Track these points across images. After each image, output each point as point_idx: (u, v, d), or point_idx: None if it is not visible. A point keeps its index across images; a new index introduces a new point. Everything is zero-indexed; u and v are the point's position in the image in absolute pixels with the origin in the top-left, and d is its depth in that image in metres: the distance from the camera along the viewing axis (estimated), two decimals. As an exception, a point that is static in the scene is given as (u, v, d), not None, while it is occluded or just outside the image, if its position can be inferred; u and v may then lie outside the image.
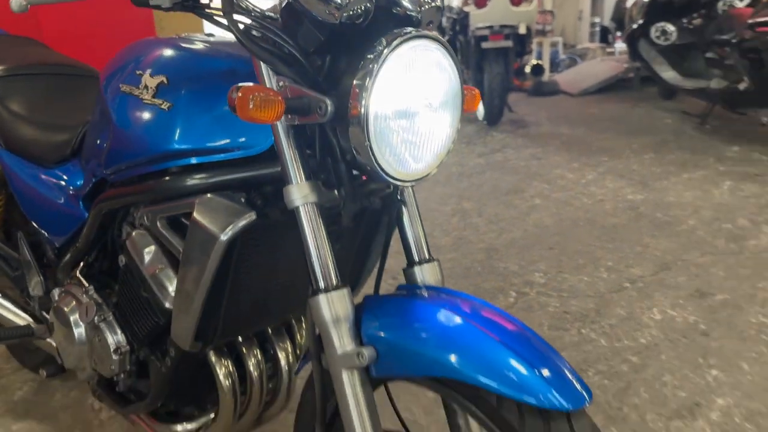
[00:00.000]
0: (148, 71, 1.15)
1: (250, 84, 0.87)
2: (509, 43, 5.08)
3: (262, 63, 0.96)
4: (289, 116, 0.93)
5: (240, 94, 0.85)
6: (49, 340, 1.54)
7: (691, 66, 5.05)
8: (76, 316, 1.39)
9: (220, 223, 1.03)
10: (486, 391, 0.87)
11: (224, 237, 1.02)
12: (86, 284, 1.40)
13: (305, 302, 0.98)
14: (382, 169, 0.92)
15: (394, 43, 0.87)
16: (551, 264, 2.76)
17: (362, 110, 0.87)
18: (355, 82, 0.88)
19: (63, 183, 1.49)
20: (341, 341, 0.96)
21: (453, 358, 0.90)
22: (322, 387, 1.04)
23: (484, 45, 5.07)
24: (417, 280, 1.10)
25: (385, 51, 0.87)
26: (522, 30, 5.14)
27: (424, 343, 0.93)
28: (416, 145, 0.95)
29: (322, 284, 0.96)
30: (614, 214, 3.32)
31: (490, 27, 5.09)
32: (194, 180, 1.09)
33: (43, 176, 1.56)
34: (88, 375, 1.44)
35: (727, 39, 4.37)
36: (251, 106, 0.86)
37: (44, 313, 1.60)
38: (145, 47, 1.22)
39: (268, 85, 0.96)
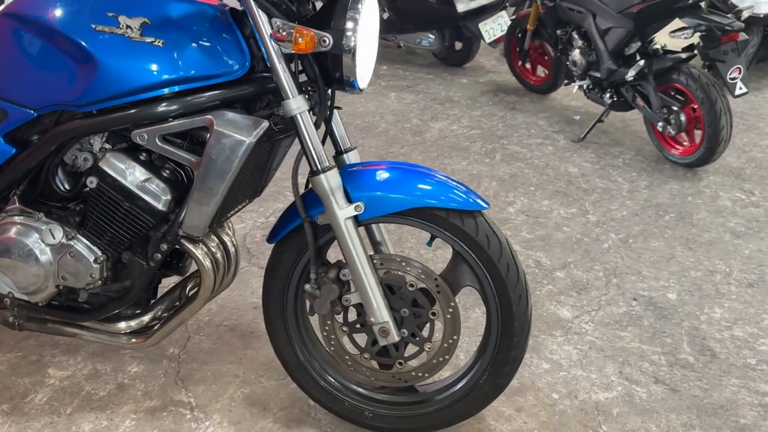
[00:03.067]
0: (121, 13, 1.40)
1: (296, 24, 1.30)
2: None
3: (257, 8, 1.36)
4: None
5: (303, 35, 1.28)
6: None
7: None
8: (34, 240, 1.54)
9: (246, 130, 1.41)
10: (436, 208, 1.50)
11: (253, 140, 1.41)
12: (33, 211, 1.55)
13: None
14: (357, 84, 1.44)
15: None
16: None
17: (353, 42, 1.37)
18: (348, 23, 1.37)
19: None
20: (338, 202, 1.48)
21: (410, 195, 1.51)
22: (314, 239, 1.53)
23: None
24: (347, 162, 1.64)
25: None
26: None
27: (389, 190, 1.51)
28: (366, 66, 1.49)
29: (320, 166, 1.46)
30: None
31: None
32: (199, 100, 1.42)
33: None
34: (45, 296, 1.60)
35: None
36: (300, 41, 1.29)
37: None
38: None
39: (261, 25, 1.37)
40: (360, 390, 1.74)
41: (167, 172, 1.54)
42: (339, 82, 1.46)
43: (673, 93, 3.50)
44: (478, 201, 1.53)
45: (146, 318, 1.71)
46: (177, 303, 1.73)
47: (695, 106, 3.40)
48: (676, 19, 3.46)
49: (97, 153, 1.54)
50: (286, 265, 1.64)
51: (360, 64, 1.43)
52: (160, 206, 1.50)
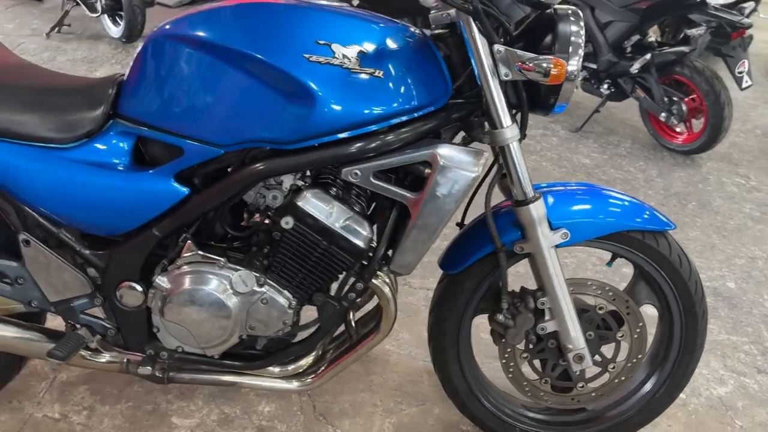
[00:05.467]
0: (334, 41, 1.28)
1: (553, 57, 1.24)
2: None
3: (480, 38, 1.29)
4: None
5: (558, 65, 1.22)
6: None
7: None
8: (223, 289, 1.40)
9: (471, 164, 1.34)
10: (633, 231, 1.51)
11: (479, 173, 1.34)
12: (217, 258, 1.40)
13: None
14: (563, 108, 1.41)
15: None
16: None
17: (578, 67, 1.32)
18: (574, 49, 1.32)
19: (121, 165, 1.39)
20: (544, 232, 1.44)
21: (610, 219, 1.50)
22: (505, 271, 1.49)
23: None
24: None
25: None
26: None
27: (591, 215, 1.50)
28: None
29: (528, 197, 1.42)
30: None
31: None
32: (414, 132, 1.33)
33: (73, 160, 1.38)
34: (225, 347, 1.46)
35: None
36: (554, 72, 1.23)
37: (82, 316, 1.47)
38: (291, 12, 1.32)
39: (482, 52, 1.31)
40: (530, 413, 1.73)
41: (358, 207, 1.43)
42: (545, 107, 1.41)
43: (673, 84, 3.68)
44: (667, 221, 1.55)
45: (310, 359, 1.60)
46: (342, 340, 1.63)
47: (695, 97, 3.59)
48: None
49: (287, 191, 1.41)
50: (466, 295, 1.59)
51: None
52: (362, 244, 1.40)
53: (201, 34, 1.32)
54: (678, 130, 3.79)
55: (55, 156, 1.38)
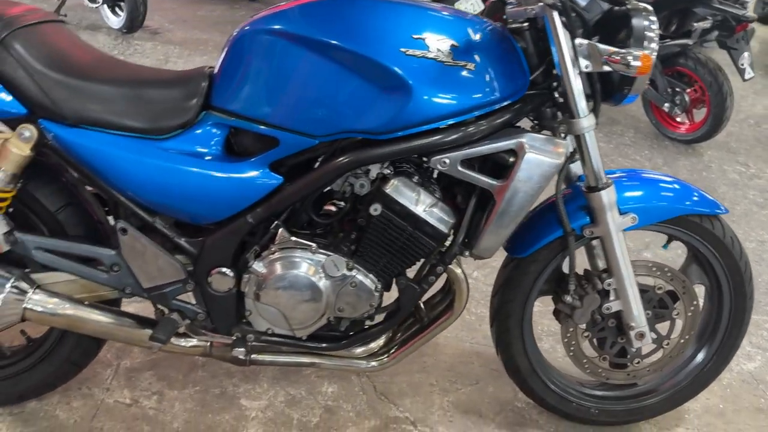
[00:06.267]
0: (428, 35, 1.35)
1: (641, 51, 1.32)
2: None
3: (564, 32, 1.37)
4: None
5: (645, 59, 1.30)
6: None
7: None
8: (317, 273, 1.47)
9: (555, 152, 1.42)
10: (691, 215, 1.60)
11: (562, 160, 1.42)
12: (309, 243, 1.46)
13: None
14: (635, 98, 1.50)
15: None
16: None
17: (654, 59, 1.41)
18: (651, 44, 1.40)
19: (213, 153, 1.44)
20: (614, 216, 1.53)
21: (674, 203, 1.60)
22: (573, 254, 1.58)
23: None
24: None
25: None
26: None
27: (656, 200, 1.60)
28: None
29: (602, 183, 1.50)
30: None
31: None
32: (498, 122, 1.40)
33: (169, 150, 1.43)
34: (313, 329, 1.53)
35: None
36: (640, 64, 1.31)
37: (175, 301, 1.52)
38: (386, 8, 1.38)
39: (564, 45, 1.38)
40: (585, 389, 1.83)
41: (438, 194, 1.50)
42: (617, 97, 1.49)
43: (676, 75, 3.81)
44: (718, 204, 1.65)
45: (381, 341, 1.67)
46: (411, 322, 1.70)
47: (697, 88, 3.73)
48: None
49: (373, 179, 1.47)
50: (532, 277, 1.67)
51: None
52: (445, 230, 1.47)
53: (299, 28, 1.37)
54: (679, 120, 3.92)
55: (152, 147, 1.42)
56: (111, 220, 1.54)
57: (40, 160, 1.45)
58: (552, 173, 1.44)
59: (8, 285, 1.40)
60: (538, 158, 1.42)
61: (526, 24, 1.47)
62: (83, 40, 1.59)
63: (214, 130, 1.44)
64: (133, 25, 4.90)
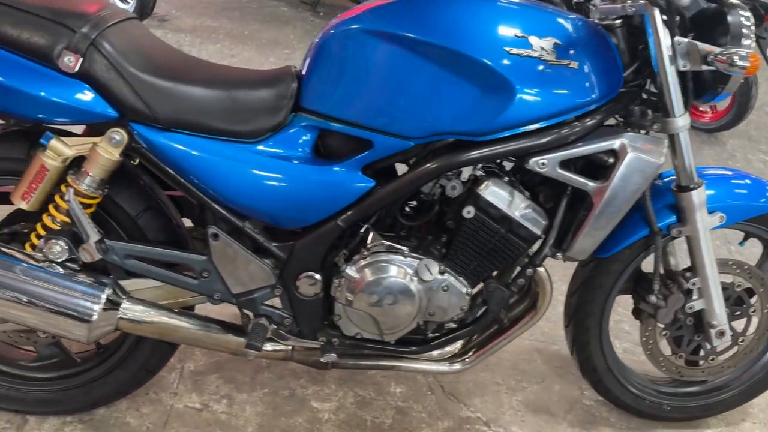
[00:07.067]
0: (531, 34, 1.32)
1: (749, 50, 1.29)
2: None
3: (664, 30, 1.34)
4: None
5: (754, 58, 1.28)
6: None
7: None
8: (410, 277, 1.44)
9: (656, 151, 1.40)
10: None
11: (663, 160, 1.40)
12: (401, 247, 1.43)
13: None
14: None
15: None
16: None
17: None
18: (745, 41, 1.38)
19: (303, 159, 1.40)
20: (703, 215, 1.52)
21: (758, 202, 1.59)
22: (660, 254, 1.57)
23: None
24: None
25: None
26: None
27: (741, 199, 1.59)
28: None
29: (694, 182, 1.49)
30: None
31: None
32: (594, 121, 1.38)
33: (261, 153, 1.39)
34: (403, 333, 1.51)
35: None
36: (748, 65, 1.29)
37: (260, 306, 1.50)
38: (488, 6, 1.35)
39: (664, 44, 1.36)
40: (658, 387, 1.82)
41: (528, 195, 1.48)
42: (709, 96, 1.47)
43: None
44: None
45: (459, 343, 1.65)
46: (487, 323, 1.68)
47: (721, 77, 3.72)
48: None
49: (465, 180, 1.44)
50: (613, 277, 1.66)
51: None
52: (539, 232, 1.45)
53: (396, 27, 1.33)
54: (701, 109, 3.92)
55: (245, 150, 1.38)
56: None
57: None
58: (653, 174, 1.42)
59: (103, 295, 1.36)
60: (640, 158, 1.40)
61: (618, 21, 1.44)
62: (159, 38, 1.54)
63: (305, 133, 1.40)
64: (144, 12, 4.77)
